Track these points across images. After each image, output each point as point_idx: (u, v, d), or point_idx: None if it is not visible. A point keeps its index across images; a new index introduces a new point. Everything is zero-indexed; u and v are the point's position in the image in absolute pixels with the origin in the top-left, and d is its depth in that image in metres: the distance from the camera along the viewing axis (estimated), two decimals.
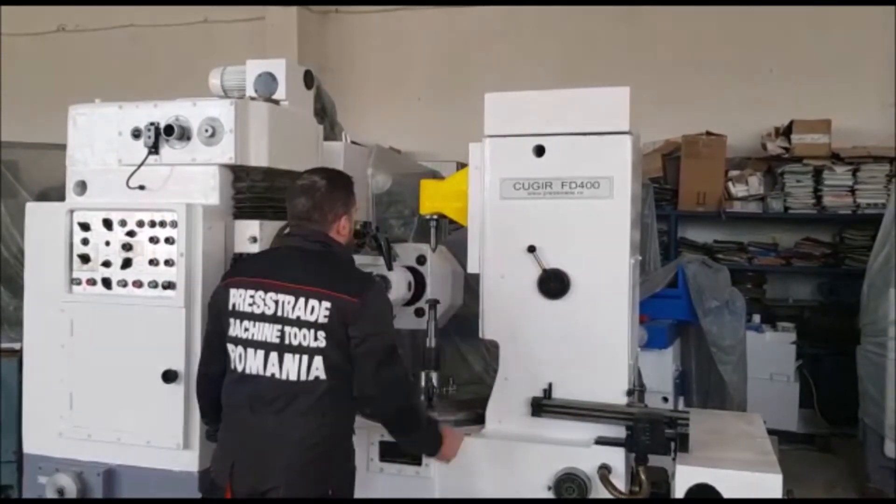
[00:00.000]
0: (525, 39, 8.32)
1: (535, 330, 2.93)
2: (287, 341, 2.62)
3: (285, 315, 2.63)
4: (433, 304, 3.39)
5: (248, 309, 2.69)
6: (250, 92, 3.41)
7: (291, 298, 2.63)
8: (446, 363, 4.72)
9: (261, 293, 2.68)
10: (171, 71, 8.34)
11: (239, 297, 2.71)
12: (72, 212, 3.23)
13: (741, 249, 7.45)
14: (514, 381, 2.96)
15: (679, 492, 2.61)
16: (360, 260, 3.23)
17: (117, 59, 9.03)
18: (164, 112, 3.19)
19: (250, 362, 2.67)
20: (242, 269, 2.89)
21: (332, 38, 8.96)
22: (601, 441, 2.82)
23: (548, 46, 8.15)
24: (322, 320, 2.59)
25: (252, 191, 3.25)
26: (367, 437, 3.03)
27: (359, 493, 3.02)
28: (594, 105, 2.91)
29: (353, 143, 4.08)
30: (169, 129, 3.15)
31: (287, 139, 3.36)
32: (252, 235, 3.18)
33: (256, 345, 2.67)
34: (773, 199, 7.23)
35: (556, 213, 2.92)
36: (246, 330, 2.68)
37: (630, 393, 2.87)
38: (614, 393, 2.87)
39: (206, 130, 3.14)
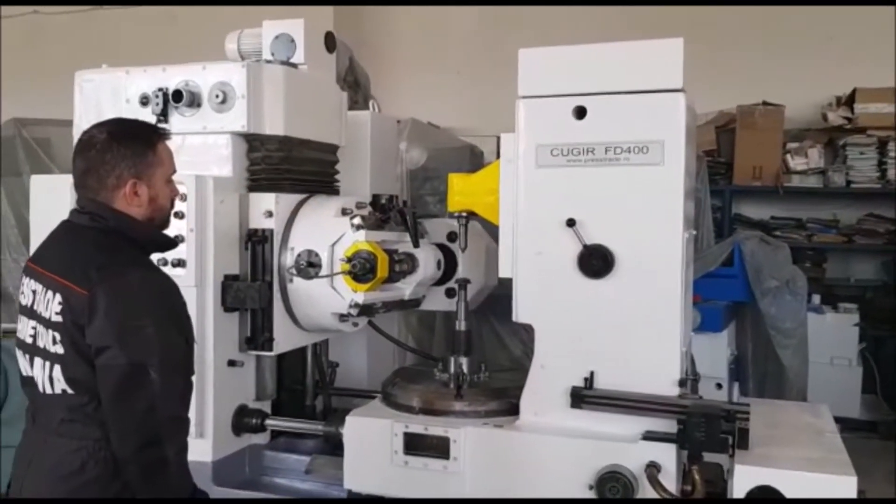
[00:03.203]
0: (566, 9, 7.95)
1: (575, 313, 2.64)
2: (37, 342, 2.08)
3: (36, 308, 2.09)
4: (463, 283, 3.12)
5: (20, 299, 2.17)
6: (267, 55, 3.17)
7: (40, 288, 2.08)
8: (483, 347, 4.49)
9: (26, 280, 2.16)
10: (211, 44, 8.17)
11: (21, 286, 2.19)
12: None
13: (800, 226, 7.10)
14: (552, 369, 2.68)
15: (738, 494, 2.32)
16: (383, 236, 2.98)
17: (154, 35, 8.88)
18: (172, 77, 2.98)
19: (23, 364, 2.15)
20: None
21: (368, 10, 8.70)
22: (649, 436, 2.52)
23: (591, 15, 7.77)
24: (55, 318, 2.02)
25: (267, 161, 3.04)
26: (391, 427, 2.78)
27: (380, 490, 2.81)
28: (642, 60, 2.59)
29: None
30: (178, 95, 2.94)
31: (305, 106, 3.13)
32: (268, 210, 2.97)
33: (20, 344, 2.16)
34: (834, 173, 6.88)
35: (599, 183, 2.60)
36: (20, 324, 2.18)
37: (682, 383, 2.57)
38: (664, 383, 2.56)
39: (217, 96, 2.93)
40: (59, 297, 2.01)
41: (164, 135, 2.21)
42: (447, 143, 5.66)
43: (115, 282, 1.99)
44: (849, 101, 6.91)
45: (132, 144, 2.12)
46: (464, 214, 3.04)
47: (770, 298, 4.64)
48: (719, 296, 4.82)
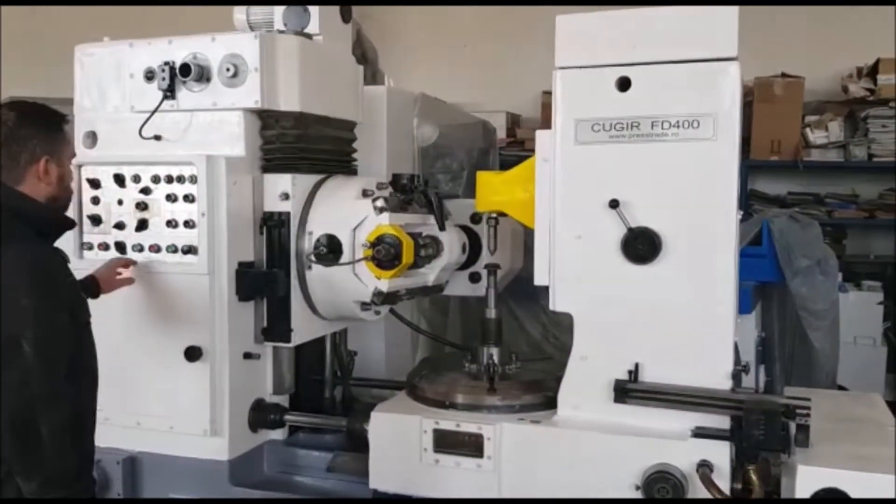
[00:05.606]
0: None
1: (619, 301, 2.47)
2: None
3: None
4: (493, 269, 2.94)
5: None
6: (279, 26, 2.96)
7: None
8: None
9: None
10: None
11: None
12: (80, 167, 2.85)
13: (818, 202, 6.92)
14: (593, 360, 2.50)
15: (801, 497, 2.15)
16: (406, 219, 2.79)
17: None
18: (179, 49, 2.78)
19: None
20: None
21: None
22: (701, 433, 2.36)
23: None
24: None
25: (282, 140, 2.84)
26: (420, 423, 2.61)
27: (408, 490, 2.64)
28: (692, 26, 2.39)
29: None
30: (185, 69, 2.74)
31: (322, 80, 2.93)
32: (284, 191, 2.80)
33: None
34: (855, 147, 6.70)
35: (645, 160, 2.42)
36: None
37: (735, 375, 2.40)
38: (715, 375, 2.39)
39: (228, 69, 2.73)
40: None
41: (65, 117, 2.24)
42: (458, 120, 5.44)
43: None
44: (871, 71, 6.70)
45: (43, 122, 2.15)
46: (493, 215, 2.84)
47: (801, 279, 4.44)
48: (747, 276, 4.61)
